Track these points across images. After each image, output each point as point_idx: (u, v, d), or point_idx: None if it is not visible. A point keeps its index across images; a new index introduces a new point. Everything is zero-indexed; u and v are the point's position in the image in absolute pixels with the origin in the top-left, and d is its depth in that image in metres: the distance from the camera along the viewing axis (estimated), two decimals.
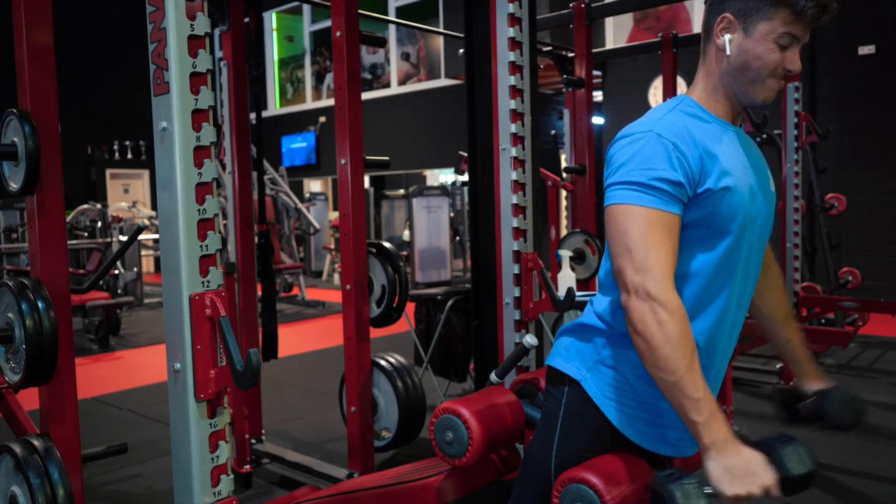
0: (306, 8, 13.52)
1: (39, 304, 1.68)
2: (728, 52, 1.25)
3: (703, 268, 1.25)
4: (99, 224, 8.21)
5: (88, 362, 5.75)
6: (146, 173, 14.27)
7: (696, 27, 8.54)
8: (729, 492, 1.07)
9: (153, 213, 9.74)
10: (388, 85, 12.70)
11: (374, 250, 2.67)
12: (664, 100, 1.42)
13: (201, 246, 1.41)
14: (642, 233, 1.17)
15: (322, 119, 13.34)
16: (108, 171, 13.83)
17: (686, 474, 1.10)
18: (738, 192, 1.22)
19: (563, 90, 4.60)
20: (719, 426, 1.10)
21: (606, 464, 1.29)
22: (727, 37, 1.25)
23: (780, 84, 1.27)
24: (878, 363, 5.03)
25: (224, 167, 3.14)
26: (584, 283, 3.75)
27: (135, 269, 8.49)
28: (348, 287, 2.53)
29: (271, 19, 14.31)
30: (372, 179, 13.07)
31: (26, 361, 1.68)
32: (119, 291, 7.87)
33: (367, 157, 2.59)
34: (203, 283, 1.41)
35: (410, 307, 3.38)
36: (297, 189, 12.95)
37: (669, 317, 1.13)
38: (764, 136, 5.07)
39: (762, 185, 1.31)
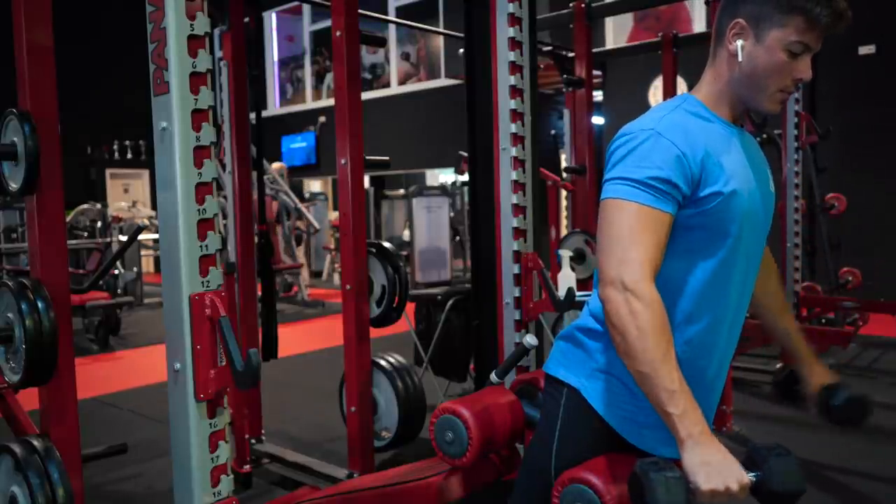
0: (306, 8, 13.51)
1: (39, 304, 1.68)
2: (740, 59, 1.23)
3: (703, 271, 1.24)
4: (99, 224, 8.20)
5: (88, 362, 5.74)
6: (146, 173, 14.25)
7: (697, 27, 8.54)
8: (705, 486, 1.03)
9: (153, 213, 9.74)
10: (388, 85, 12.69)
11: (374, 250, 2.67)
12: (664, 100, 1.40)
13: (201, 246, 1.41)
14: (629, 227, 1.16)
15: (322, 119, 13.33)
16: (108, 171, 13.82)
17: (669, 465, 1.05)
18: (740, 195, 1.22)
19: (563, 90, 4.60)
20: (696, 419, 1.08)
21: (606, 464, 1.29)
22: (739, 42, 1.23)
23: (790, 93, 1.26)
24: (878, 363, 5.03)
25: (224, 167, 3.14)
26: (584, 283, 3.75)
27: (135, 269, 8.48)
28: (348, 287, 2.53)
29: (271, 19, 14.30)
30: (372, 179, 13.06)
31: (26, 361, 1.68)
32: (119, 291, 7.87)
33: (367, 157, 2.59)
34: (203, 283, 1.41)
35: (410, 307, 3.38)
36: (297, 189, 12.93)
37: (644, 308, 1.12)
38: (764, 135, 5.06)
39: (761, 186, 1.30)
